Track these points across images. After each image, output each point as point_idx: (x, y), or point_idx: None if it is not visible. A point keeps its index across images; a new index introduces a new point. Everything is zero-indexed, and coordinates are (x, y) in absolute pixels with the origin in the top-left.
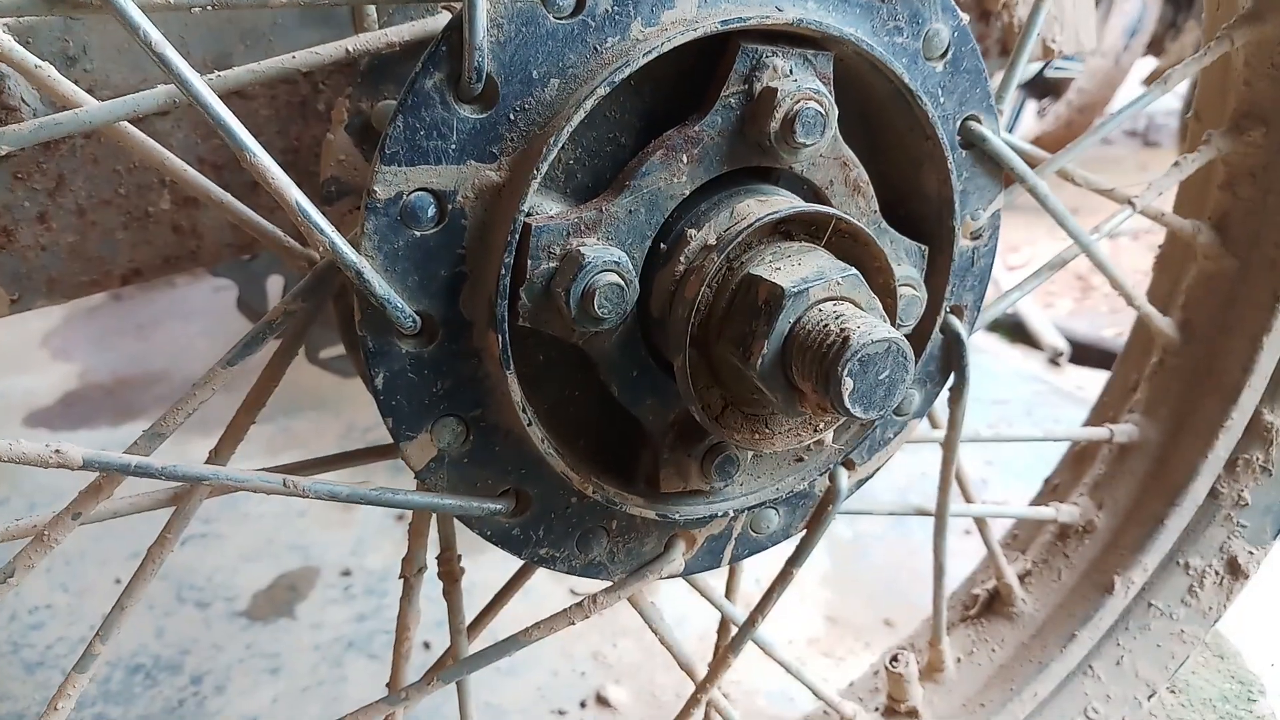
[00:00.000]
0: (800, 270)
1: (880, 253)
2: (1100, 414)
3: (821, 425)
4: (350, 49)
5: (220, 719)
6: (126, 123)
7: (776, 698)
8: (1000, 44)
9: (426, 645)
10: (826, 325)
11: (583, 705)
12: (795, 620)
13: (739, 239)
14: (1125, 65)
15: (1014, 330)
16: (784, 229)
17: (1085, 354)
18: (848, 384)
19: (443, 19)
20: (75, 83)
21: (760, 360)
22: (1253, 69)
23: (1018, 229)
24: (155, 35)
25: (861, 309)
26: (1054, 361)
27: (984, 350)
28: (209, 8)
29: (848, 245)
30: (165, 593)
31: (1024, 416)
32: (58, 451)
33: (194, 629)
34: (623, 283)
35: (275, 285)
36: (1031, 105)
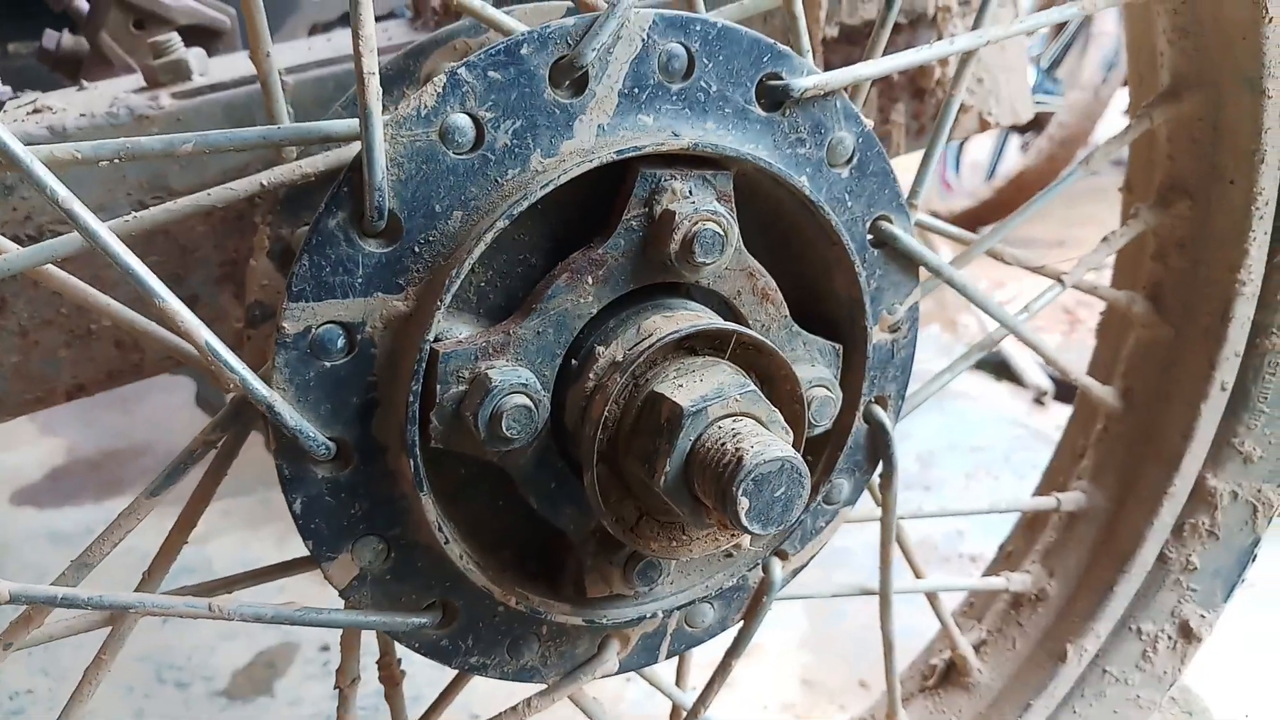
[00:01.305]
0: (701, 388)
1: (783, 362)
2: (1051, 479)
3: (735, 533)
4: (265, 183)
5: None
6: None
7: None
8: (934, 117)
9: None
10: (724, 444)
11: None
12: (771, 685)
13: (643, 357)
14: (1104, 98)
15: (999, 368)
16: (688, 344)
17: (1070, 392)
18: (743, 503)
19: (355, 148)
20: (13, 210)
21: (664, 478)
22: (1175, 144)
23: (988, 263)
24: (62, 192)
25: (762, 422)
26: (1038, 401)
27: (964, 394)
28: (116, 160)
29: (752, 356)
30: (145, 673)
31: (1002, 463)
32: None
33: (174, 709)
34: (531, 404)
35: None
36: (1015, 140)
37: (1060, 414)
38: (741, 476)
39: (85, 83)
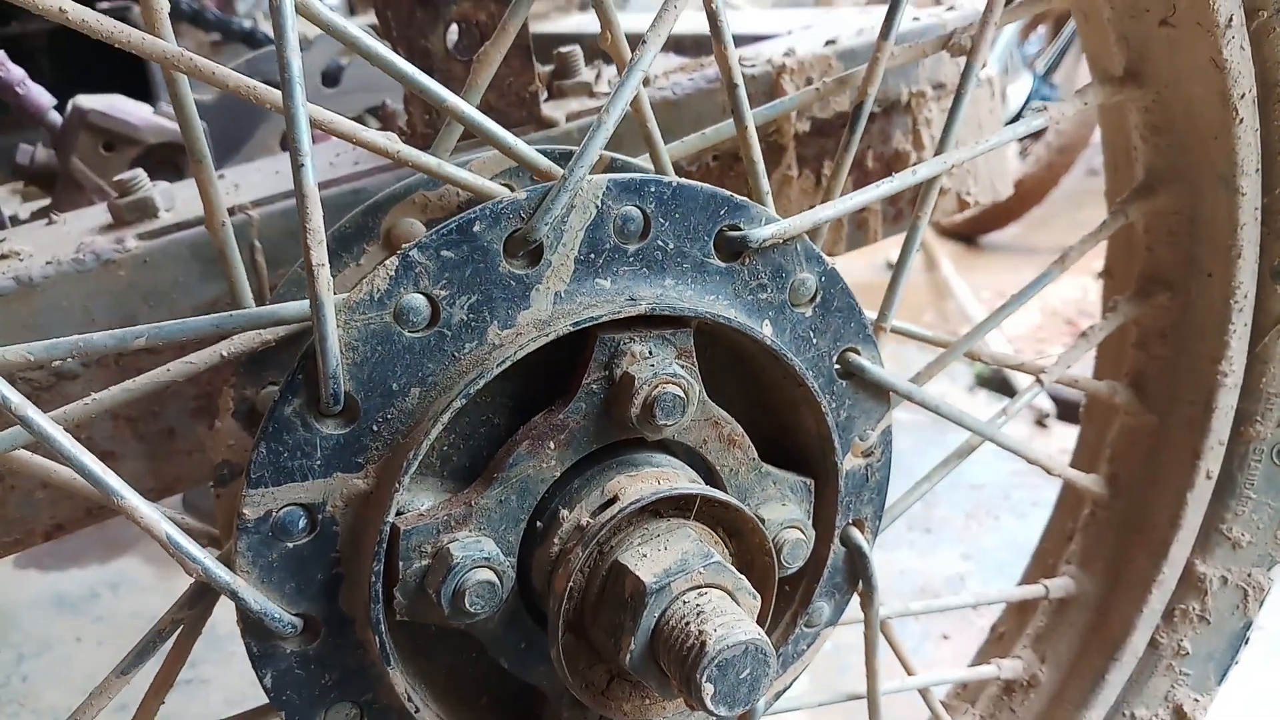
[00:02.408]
0: (665, 558)
1: (749, 517)
2: (1040, 561)
3: None
4: (225, 354)
5: None
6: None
7: None
8: (911, 204)
9: None
10: (688, 624)
11: None
12: None
13: (605, 527)
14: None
15: (1001, 386)
16: (653, 507)
17: (1073, 411)
18: (708, 689)
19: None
20: None
21: (630, 655)
22: (1153, 235)
23: (991, 271)
24: (15, 399)
25: (729, 592)
26: (1040, 423)
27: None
28: (68, 360)
29: (719, 513)
30: None
31: (1002, 501)
32: None
33: None
34: (495, 578)
35: None
36: (1013, 146)
37: (1063, 436)
38: (705, 663)
39: (54, 215)
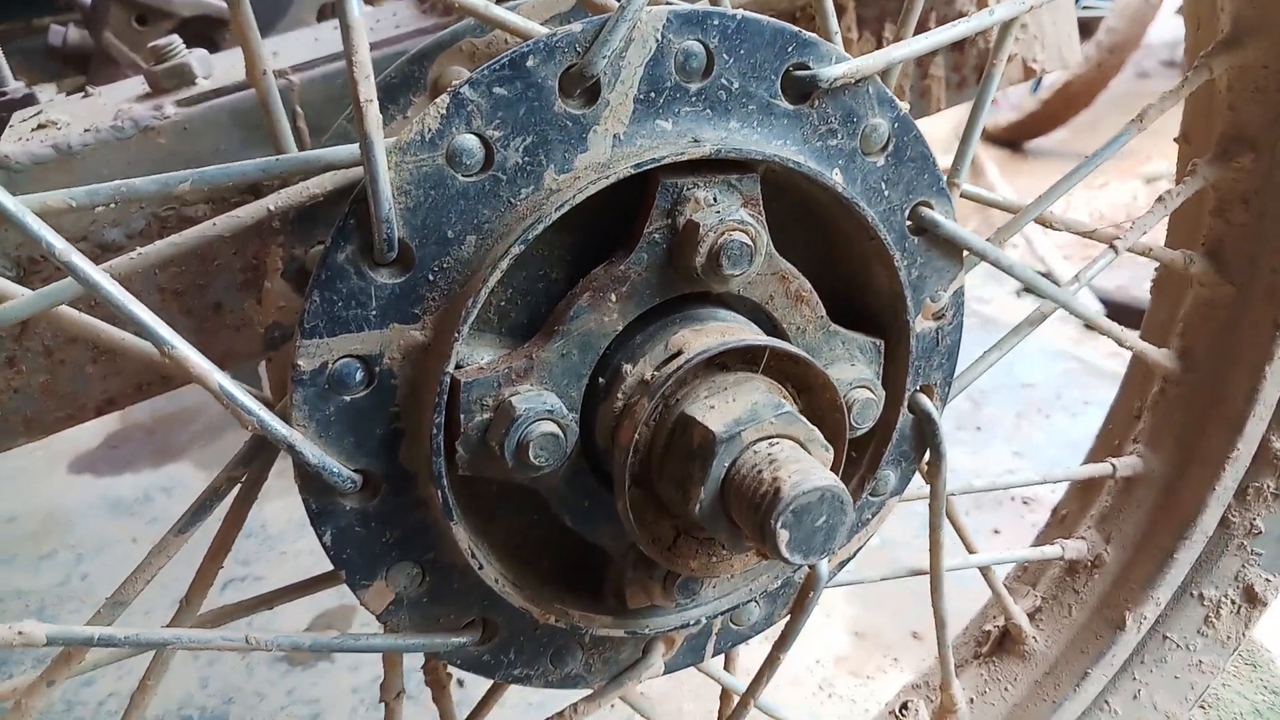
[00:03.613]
0: (734, 409)
1: (820, 372)
2: (1105, 442)
3: None
4: (272, 207)
5: None
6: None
7: None
8: (977, 71)
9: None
10: (760, 472)
11: None
12: (822, 638)
13: (672, 379)
14: (1155, 1)
15: None
16: (719, 361)
17: (1120, 316)
18: (783, 535)
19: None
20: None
21: (699, 505)
22: (1236, 93)
23: (1037, 178)
24: (59, 245)
25: (800, 443)
26: (1089, 326)
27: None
28: (113, 205)
29: (788, 367)
30: None
31: (1054, 400)
32: (21, 633)
33: (237, 678)
34: (558, 430)
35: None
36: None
37: (1111, 343)
38: (780, 509)
39: (90, 88)
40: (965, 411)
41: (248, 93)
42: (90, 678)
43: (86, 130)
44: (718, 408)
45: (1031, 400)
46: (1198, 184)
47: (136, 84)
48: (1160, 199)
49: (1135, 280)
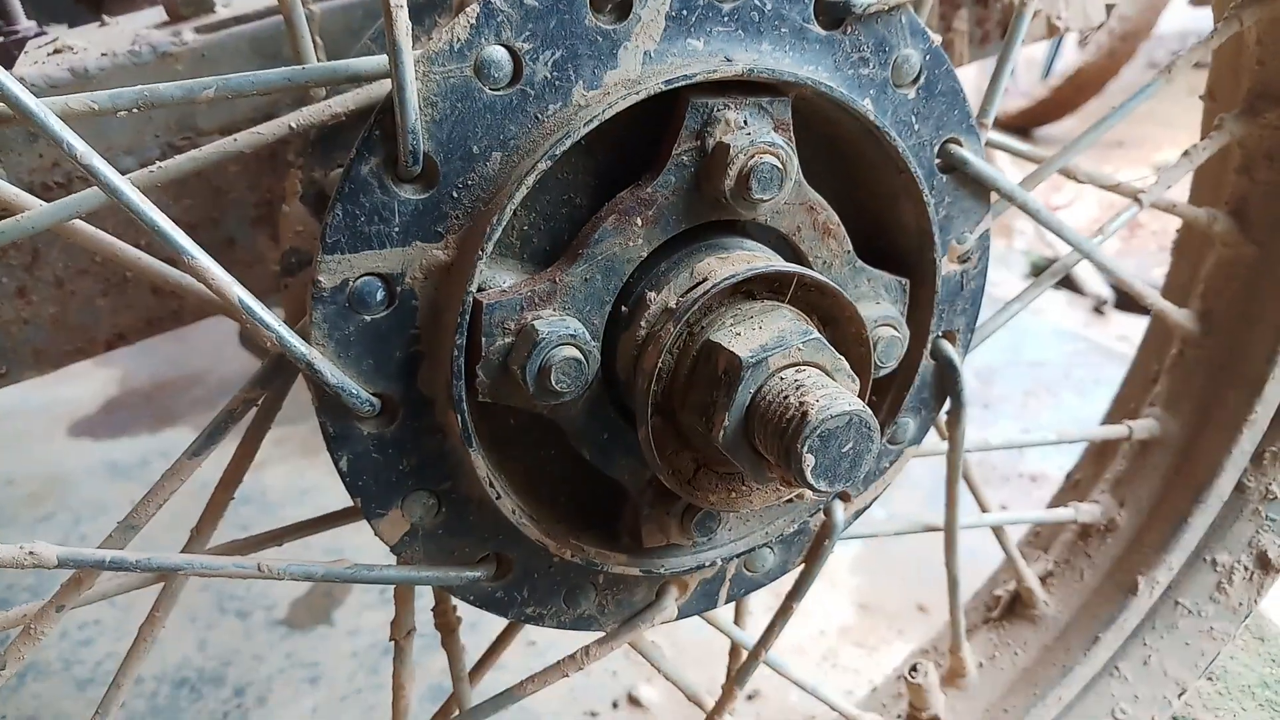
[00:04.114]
0: (760, 336)
1: (848, 303)
2: (1121, 406)
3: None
4: (293, 125)
5: None
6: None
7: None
8: (1001, 26)
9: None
10: (786, 398)
11: (615, 705)
12: (826, 609)
13: (697, 305)
14: None
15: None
16: (745, 289)
17: (1131, 299)
18: (809, 460)
19: (386, 86)
20: (39, 157)
21: (723, 432)
22: (1265, 48)
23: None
24: (80, 147)
25: (827, 371)
26: (1098, 310)
27: None
28: (134, 110)
29: (814, 298)
30: (207, 604)
31: (1062, 379)
32: (32, 553)
33: (235, 640)
34: (580, 356)
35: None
36: (1072, 35)
37: (1120, 324)
38: (807, 433)
39: (107, 18)
40: (974, 389)
41: (267, 20)
42: (89, 637)
43: (104, 54)
44: (744, 334)
45: (1040, 379)
46: (1223, 139)
47: (155, 13)
48: (1186, 153)
49: (1143, 268)
